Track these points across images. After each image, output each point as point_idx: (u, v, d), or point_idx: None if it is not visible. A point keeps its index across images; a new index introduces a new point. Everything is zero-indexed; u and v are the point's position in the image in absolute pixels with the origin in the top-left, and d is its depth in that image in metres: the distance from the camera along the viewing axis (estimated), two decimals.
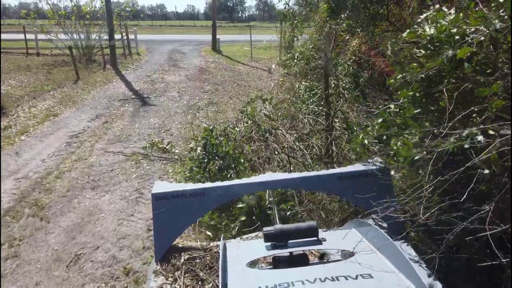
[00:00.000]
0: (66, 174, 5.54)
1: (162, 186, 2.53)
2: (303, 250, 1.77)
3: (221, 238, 1.85)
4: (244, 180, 2.65)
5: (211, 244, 2.60)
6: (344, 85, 5.75)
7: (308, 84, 6.72)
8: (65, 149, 6.50)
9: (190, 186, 2.64)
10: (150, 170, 5.72)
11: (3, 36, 15.93)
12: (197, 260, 2.40)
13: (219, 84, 12.51)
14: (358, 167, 2.62)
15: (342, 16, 8.18)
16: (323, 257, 2.13)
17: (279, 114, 5.20)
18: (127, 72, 14.48)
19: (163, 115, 8.75)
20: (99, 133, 7.34)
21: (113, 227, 4.22)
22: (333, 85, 5.35)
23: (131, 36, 19.12)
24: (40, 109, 8.93)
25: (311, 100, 6.03)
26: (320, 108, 5.87)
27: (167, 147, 6.54)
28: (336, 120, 4.59)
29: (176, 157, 6.20)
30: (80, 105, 9.50)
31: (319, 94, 6.21)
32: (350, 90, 5.90)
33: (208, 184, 2.64)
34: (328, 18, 9.68)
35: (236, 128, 5.53)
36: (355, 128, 4.55)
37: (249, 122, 5.47)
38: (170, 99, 10.28)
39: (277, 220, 2.58)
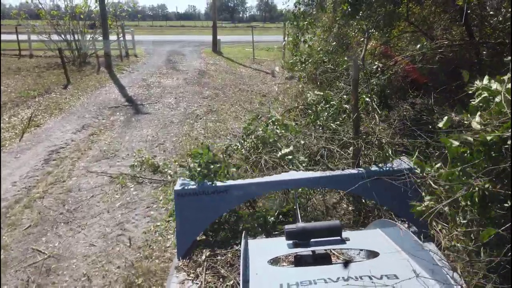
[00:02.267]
0: (37, 202, 4.67)
1: (185, 183, 2.66)
2: (325, 249, 1.73)
3: (243, 236, 1.75)
4: (267, 179, 2.73)
5: (232, 241, 2.69)
6: (372, 99, 4.88)
7: (322, 93, 5.84)
8: (42, 169, 5.63)
9: (213, 183, 2.67)
10: (137, 196, 4.85)
11: None
12: (219, 257, 2.48)
13: (219, 88, 11.65)
14: (382, 167, 2.69)
15: (357, 16, 7.34)
16: (346, 257, 2.07)
17: (296, 138, 4.30)
18: (122, 75, 13.63)
19: (157, 125, 7.88)
20: (83, 148, 6.47)
21: (83, 283, 3.36)
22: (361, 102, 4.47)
23: (128, 37, 18.27)
24: (21, 118, 8.07)
25: (326, 114, 5.16)
26: (337, 123, 5.01)
27: (160, 164, 5.67)
28: (364, 146, 3.71)
29: (169, 178, 5.34)
30: (67, 113, 8.63)
31: (335, 106, 5.35)
32: (376, 102, 5.03)
33: (231, 182, 2.72)
34: (338, 18, 8.85)
35: (240, 147, 4.66)
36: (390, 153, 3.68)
37: (255, 140, 4.60)
38: (166, 106, 9.41)
39: (299, 218, 2.48)
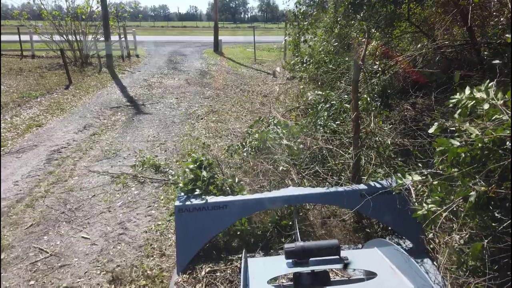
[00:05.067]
0: (39, 201, 4.70)
1: (185, 198, 2.71)
2: (324, 268, 1.73)
3: (243, 253, 1.79)
4: (267, 194, 2.72)
5: (232, 257, 2.68)
6: (372, 99, 4.89)
7: (323, 93, 5.85)
8: (44, 168, 5.66)
9: (213, 199, 2.69)
10: (139, 195, 4.87)
11: None
12: (218, 274, 2.50)
13: (220, 89, 11.68)
14: (381, 183, 2.72)
15: (358, 16, 7.35)
16: (344, 268, 2.04)
17: (297, 141, 4.30)
18: (123, 75, 13.67)
19: (159, 125, 7.91)
20: (85, 148, 6.50)
21: (85, 281, 3.38)
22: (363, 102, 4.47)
23: (130, 38, 18.32)
24: (23, 118, 8.11)
25: (326, 113, 5.17)
26: (338, 123, 5.03)
27: (161, 164, 5.69)
28: (365, 143, 3.72)
29: (170, 177, 5.36)
30: (69, 113, 8.67)
31: (336, 106, 5.36)
32: (376, 102, 5.04)
33: (230, 198, 2.74)
34: (339, 19, 8.87)
35: (242, 148, 4.67)
36: (387, 152, 3.70)
37: (255, 142, 4.61)
38: (167, 107, 9.44)
39: (299, 236, 2.52)
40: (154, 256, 3.62)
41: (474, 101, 1.88)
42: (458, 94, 2.01)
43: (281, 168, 3.84)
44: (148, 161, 5.75)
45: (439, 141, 1.86)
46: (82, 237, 4.00)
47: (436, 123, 1.93)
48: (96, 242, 3.90)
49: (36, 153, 6.22)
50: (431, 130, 1.95)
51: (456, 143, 1.81)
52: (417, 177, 1.93)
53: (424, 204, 1.87)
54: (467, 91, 1.94)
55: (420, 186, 1.96)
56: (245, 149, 4.36)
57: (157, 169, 5.61)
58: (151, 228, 4.13)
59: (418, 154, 4.11)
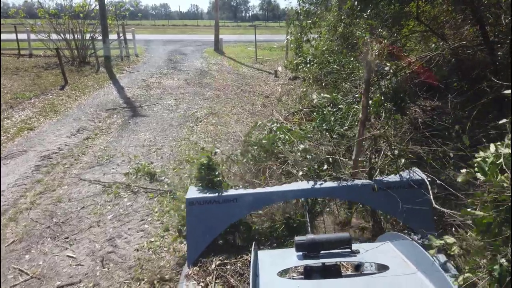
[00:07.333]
0: (23, 214, 4.36)
1: (196, 191, 2.69)
2: (335, 262, 1.69)
3: (253, 246, 1.73)
4: (277, 188, 2.70)
5: (242, 251, 2.66)
6: (384, 101, 4.53)
7: (329, 96, 5.50)
8: (32, 176, 5.32)
9: (224, 192, 2.67)
10: (131, 207, 4.52)
11: None
12: (228, 266, 2.47)
13: (221, 89, 11.32)
14: (393, 178, 2.66)
15: (364, 15, 6.98)
16: (356, 270, 2.04)
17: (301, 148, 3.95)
18: (121, 75, 13.32)
19: (156, 128, 7.56)
20: (77, 153, 6.16)
21: None
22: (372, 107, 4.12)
23: (129, 36, 17.96)
24: (14, 121, 7.77)
25: (332, 118, 4.82)
26: (345, 128, 4.68)
27: (156, 172, 5.35)
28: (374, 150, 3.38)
29: (166, 187, 5.02)
30: (62, 115, 8.32)
31: (343, 110, 5.01)
32: (388, 104, 4.69)
33: (241, 191, 2.73)
34: (344, 17, 8.49)
35: (241, 158, 4.32)
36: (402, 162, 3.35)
37: (258, 149, 4.26)
38: (165, 108, 9.09)
39: (309, 229, 2.49)
40: (145, 280, 3.28)
41: (501, 159, 1.67)
42: (481, 152, 1.78)
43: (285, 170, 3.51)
44: (143, 168, 5.41)
45: (463, 212, 1.71)
46: (68, 255, 3.66)
47: (464, 171, 1.72)
48: (82, 262, 3.56)
49: (25, 159, 5.89)
50: (459, 179, 1.74)
51: (480, 213, 1.64)
52: (451, 240, 1.70)
53: (463, 270, 1.65)
54: (492, 148, 1.75)
55: (455, 248, 1.71)
56: (244, 160, 4.01)
57: (152, 177, 5.26)
58: (143, 246, 3.79)
59: (432, 162, 3.78)
